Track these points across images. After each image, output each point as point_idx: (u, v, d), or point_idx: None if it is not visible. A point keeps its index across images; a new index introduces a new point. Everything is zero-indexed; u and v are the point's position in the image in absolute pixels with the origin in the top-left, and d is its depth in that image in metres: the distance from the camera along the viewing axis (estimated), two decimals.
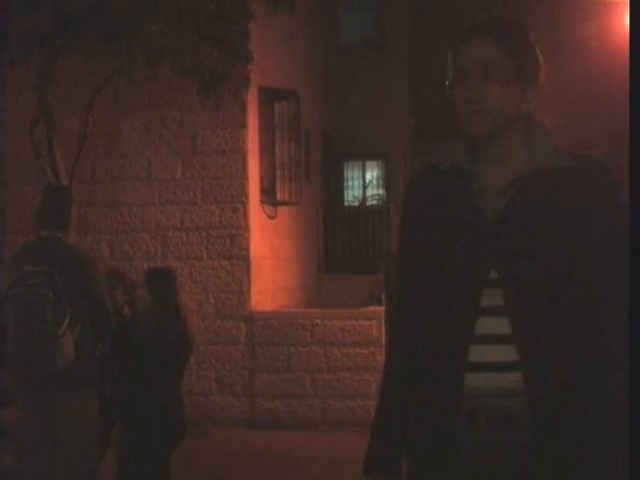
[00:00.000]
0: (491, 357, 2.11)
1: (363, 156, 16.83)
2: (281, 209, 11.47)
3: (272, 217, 11.12)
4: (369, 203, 16.71)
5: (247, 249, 9.99)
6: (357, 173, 17.17)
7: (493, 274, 2.13)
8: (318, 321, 9.76)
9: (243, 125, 10.05)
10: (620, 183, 2.18)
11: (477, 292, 2.13)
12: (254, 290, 10.06)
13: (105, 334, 4.79)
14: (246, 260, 9.99)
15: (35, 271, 4.47)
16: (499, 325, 2.11)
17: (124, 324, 5.50)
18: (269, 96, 11.10)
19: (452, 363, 2.14)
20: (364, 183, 17.18)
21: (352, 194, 17.10)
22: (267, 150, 11.06)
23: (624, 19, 15.07)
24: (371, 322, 9.64)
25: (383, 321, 9.61)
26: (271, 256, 10.95)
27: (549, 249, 2.11)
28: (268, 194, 10.96)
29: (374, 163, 17.22)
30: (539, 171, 2.16)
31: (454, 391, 2.12)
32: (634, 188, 2.07)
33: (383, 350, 9.55)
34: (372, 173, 17.34)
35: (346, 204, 16.56)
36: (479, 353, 2.11)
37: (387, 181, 17.05)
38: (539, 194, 2.14)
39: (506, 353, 2.10)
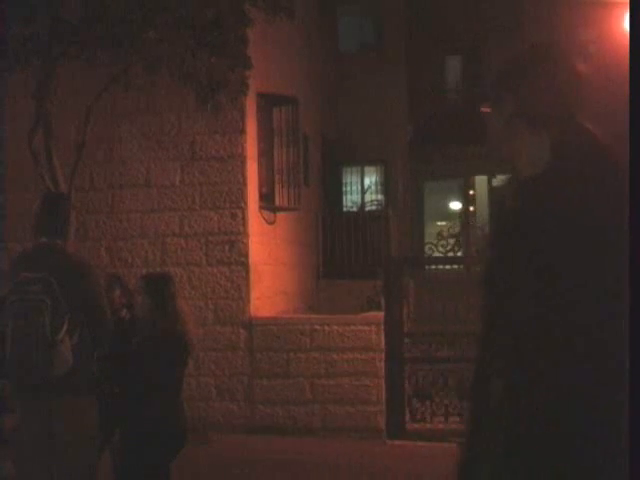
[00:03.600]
0: None
1: (362, 161, 16.85)
2: (280, 215, 11.47)
3: (271, 223, 11.12)
4: (368, 208, 16.72)
5: (246, 255, 9.98)
6: (356, 178, 17.18)
7: None
8: (317, 327, 9.75)
9: (242, 131, 10.05)
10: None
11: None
12: (253, 296, 10.05)
13: (104, 340, 4.78)
14: (245, 266, 9.98)
15: (33, 277, 4.46)
16: None
17: (123, 327, 5.48)
18: (268, 102, 11.10)
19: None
20: (363, 188, 17.19)
21: (351, 199, 17.11)
22: (266, 156, 11.06)
23: (622, 23, 15.08)
24: (370, 327, 9.62)
25: (382, 326, 9.60)
26: (270, 262, 10.94)
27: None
28: (267, 200, 10.95)
29: (373, 168, 17.24)
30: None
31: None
32: (634, 189, 2.07)
33: (383, 355, 9.54)
34: (371, 178, 17.35)
35: (345, 209, 16.57)
36: None
37: (386, 186, 17.07)
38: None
39: None
